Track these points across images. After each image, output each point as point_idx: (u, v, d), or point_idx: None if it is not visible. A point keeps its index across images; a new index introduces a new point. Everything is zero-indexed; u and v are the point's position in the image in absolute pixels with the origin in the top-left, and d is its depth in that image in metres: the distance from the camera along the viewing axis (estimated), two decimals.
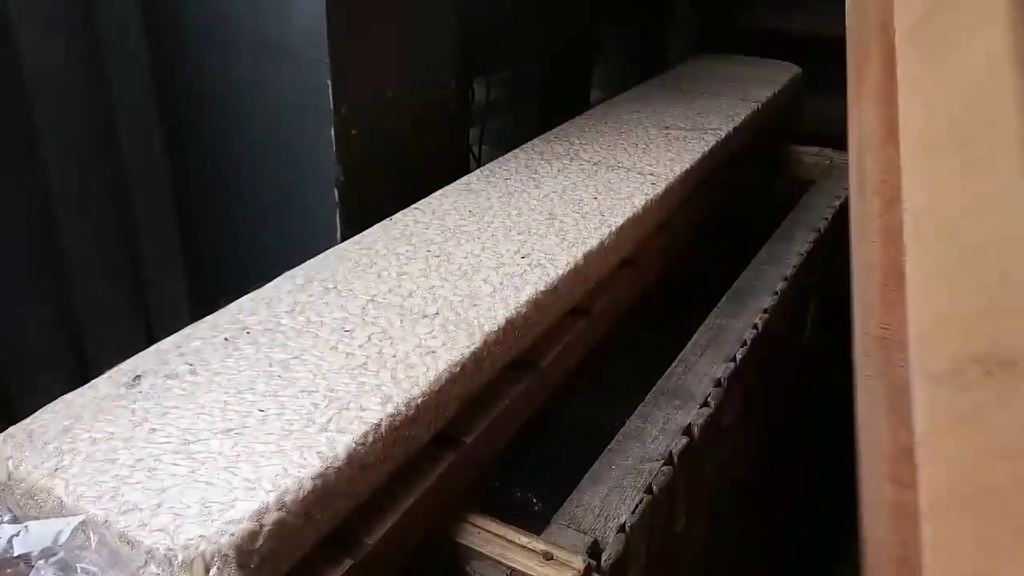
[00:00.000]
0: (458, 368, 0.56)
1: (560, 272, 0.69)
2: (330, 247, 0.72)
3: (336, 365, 0.55)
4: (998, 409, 0.36)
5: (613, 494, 0.59)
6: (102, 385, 0.53)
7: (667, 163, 0.93)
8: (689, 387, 0.72)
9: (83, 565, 0.43)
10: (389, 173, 0.88)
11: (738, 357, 0.77)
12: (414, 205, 0.80)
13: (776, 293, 0.89)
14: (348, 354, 0.56)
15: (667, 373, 0.74)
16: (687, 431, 0.67)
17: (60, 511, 0.44)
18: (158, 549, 0.40)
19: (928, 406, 0.39)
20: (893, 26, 0.63)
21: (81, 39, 0.82)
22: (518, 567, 0.52)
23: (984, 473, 0.35)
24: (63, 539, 0.43)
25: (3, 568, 0.43)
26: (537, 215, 0.78)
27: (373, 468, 0.50)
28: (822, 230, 1.05)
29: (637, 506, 0.58)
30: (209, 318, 0.60)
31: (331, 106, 0.78)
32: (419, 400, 0.53)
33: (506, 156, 0.94)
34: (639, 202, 0.82)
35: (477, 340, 0.59)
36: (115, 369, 0.54)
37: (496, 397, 0.62)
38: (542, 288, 0.66)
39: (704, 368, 0.75)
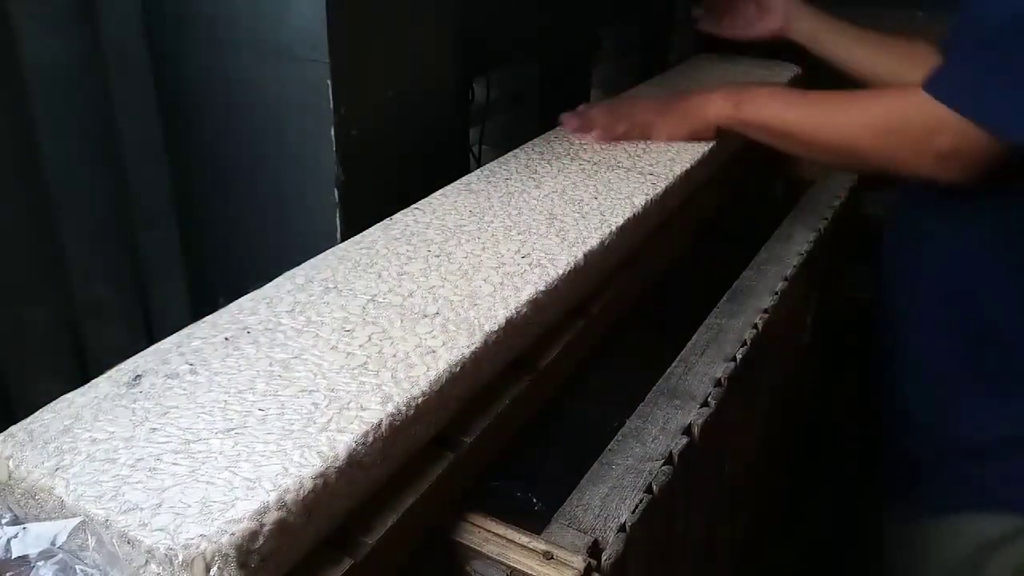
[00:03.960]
0: (458, 368, 0.57)
1: (560, 272, 0.69)
2: (330, 247, 0.72)
3: (336, 365, 0.55)
4: None
5: (613, 494, 0.59)
6: (102, 385, 0.53)
7: (667, 163, 0.93)
8: (689, 387, 0.72)
9: (82, 566, 0.43)
10: (389, 173, 0.88)
11: (738, 357, 0.77)
12: (414, 205, 0.80)
13: (776, 293, 0.89)
14: (348, 354, 0.56)
15: (667, 373, 0.74)
16: (687, 431, 0.67)
17: (61, 510, 0.44)
18: (159, 548, 0.40)
19: None
20: None
21: (82, 39, 0.82)
22: (518, 566, 0.52)
23: None
24: (61, 540, 0.43)
25: (2, 570, 0.43)
26: (537, 215, 0.78)
27: (373, 468, 0.50)
28: (822, 230, 1.05)
29: (637, 506, 0.58)
30: (209, 318, 0.60)
31: (331, 106, 0.78)
32: (419, 400, 0.53)
33: (506, 156, 0.94)
34: (639, 202, 0.82)
35: (477, 340, 0.59)
36: (115, 369, 0.54)
37: (496, 397, 0.62)
38: (542, 288, 0.66)
39: (704, 368, 0.75)
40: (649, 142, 0.99)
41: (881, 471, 1.11)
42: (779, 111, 0.94)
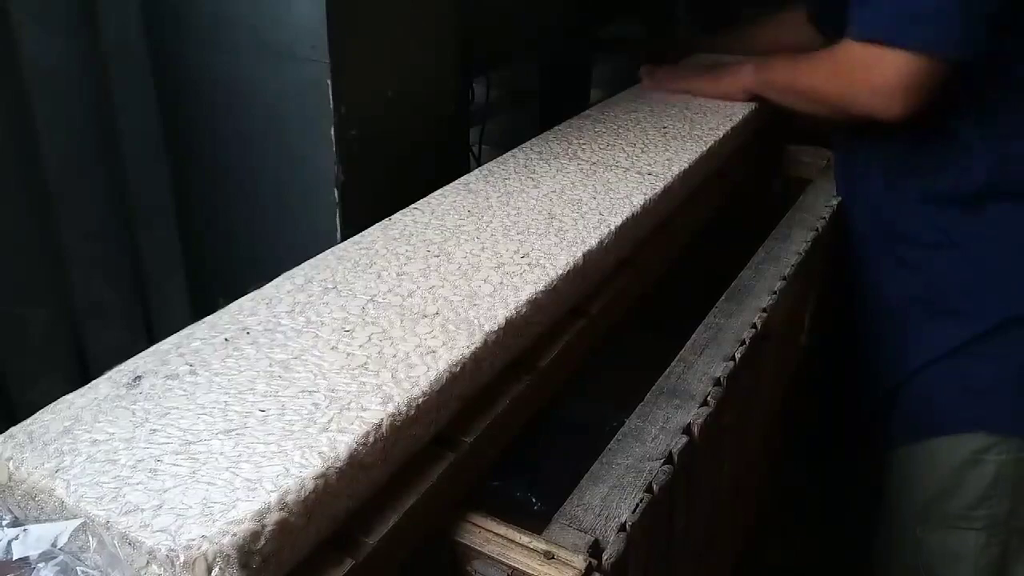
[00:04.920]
0: (458, 368, 0.57)
1: (560, 272, 0.69)
2: (330, 247, 0.72)
3: (337, 365, 0.55)
4: None
5: (613, 493, 0.59)
6: (102, 385, 0.53)
7: (665, 163, 0.93)
8: (689, 386, 0.72)
9: (83, 568, 0.43)
10: (389, 173, 0.88)
11: (737, 356, 0.77)
12: (414, 205, 0.80)
13: (775, 292, 0.89)
14: (348, 354, 0.56)
15: (667, 373, 0.74)
16: (687, 430, 0.67)
17: (61, 512, 0.44)
18: (160, 550, 0.41)
19: None
20: None
21: (82, 39, 0.82)
22: (519, 566, 0.52)
23: None
24: (62, 542, 0.43)
25: (3, 572, 0.43)
26: (536, 215, 0.79)
27: (374, 468, 0.50)
28: (820, 229, 1.05)
29: (637, 505, 0.59)
30: (209, 318, 0.60)
31: (331, 106, 0.78)
32: (420, 400, 0.53)
33: (505, 156, 0.94)
34: (638, 202, 0.82)
35: (477, 340, 0.59)
36: (115, 369, 0.54)
37: (496, 397, 0.62)
38: (542, 288, 0.66)
39: (704, 367, 0.75)
40: (647, 141, 0.99)
41: (855, 409, 1.26)
42: (782, 71, 1.10)
